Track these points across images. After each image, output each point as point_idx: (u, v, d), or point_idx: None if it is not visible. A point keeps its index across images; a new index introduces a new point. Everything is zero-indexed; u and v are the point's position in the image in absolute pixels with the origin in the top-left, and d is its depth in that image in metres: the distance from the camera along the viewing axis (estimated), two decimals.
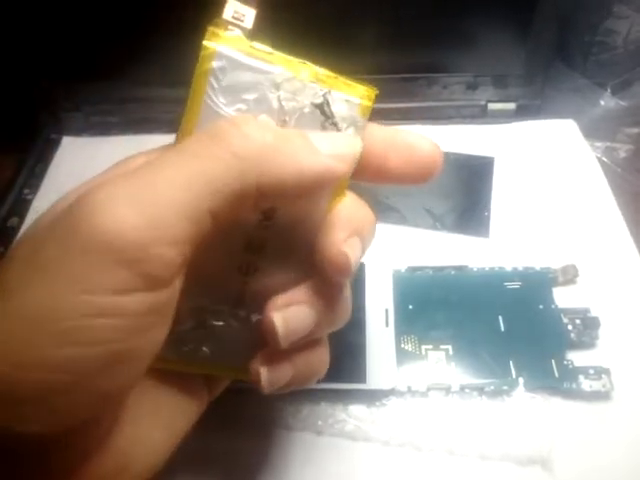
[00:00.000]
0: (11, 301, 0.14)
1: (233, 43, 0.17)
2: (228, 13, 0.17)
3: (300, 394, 0.28)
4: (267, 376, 0.19)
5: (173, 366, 0.20)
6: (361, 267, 0.32)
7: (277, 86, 0.17)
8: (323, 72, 0.18)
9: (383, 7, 0.38)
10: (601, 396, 0.28)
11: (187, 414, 0.21)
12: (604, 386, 0.28)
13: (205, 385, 0.21)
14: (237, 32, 0.17)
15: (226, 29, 0.17)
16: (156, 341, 0.16)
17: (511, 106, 0.43)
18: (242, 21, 0.17)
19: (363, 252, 0.19)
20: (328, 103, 0.18)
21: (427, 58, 0.41)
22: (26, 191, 0.40)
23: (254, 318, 0.20)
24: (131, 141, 0.42)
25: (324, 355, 0.21)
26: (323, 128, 0.18)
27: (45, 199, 0.40)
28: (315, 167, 0.16)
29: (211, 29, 0.17)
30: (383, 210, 0.37)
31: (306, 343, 0.20)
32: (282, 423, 0.28)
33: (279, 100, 0.17)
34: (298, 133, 0.17)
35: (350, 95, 0.18)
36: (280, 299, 0.19)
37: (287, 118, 0.18)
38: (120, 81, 0.43)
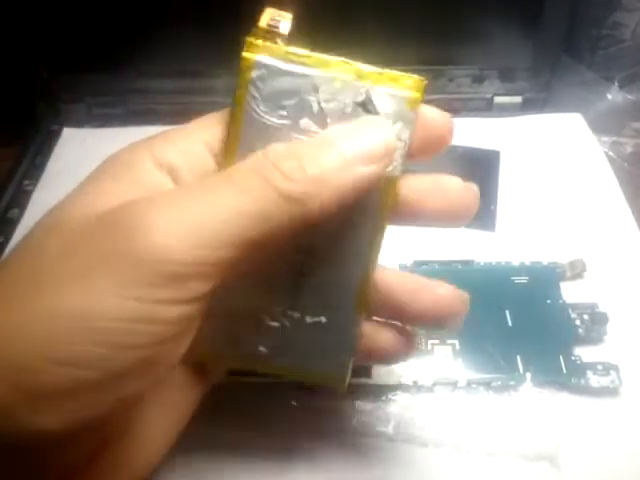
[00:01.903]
0: (46, 297, 0.15)
1: (270, 51, 0.17)
2: (265, 21, 0.17)
3: (305, 389, 0.28)
4: None
5: (231, 364, 0.21)
6: None
7: (316, 89, 0.17)
8: (366, 68, 0.17)
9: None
10: (609, 392, 0.28)
11: (183, 410, 0.21)
12: (612, 382, 0.28)
13: (197, 379, 0.21)
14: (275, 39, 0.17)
15: (263, 37, 0.17)
16: (180, 351, 0.17)
17: (517, 99, 0.43)
18: (278, 28, 0.17)
19: None
20: (371, 100, 0.17)
21: (433, 51, 0.41)
22: (26, 182, 0.40)
23: (308, 320, 0.20)
24: (132, 132, 0.41)
25: None
26: None
27: (45, 190, 0.39)
28: (349, 182, 0.16)
29: (249, 40, 0.17)
30: None
31: None
32: (287, 418, 0.27)
33: (318, 103, 0.17)
34: (328, 144, 0.17)
35: (395, 89, 0.17)
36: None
37: (329, 120, 0.18)
38: (121, 72, 0.43)
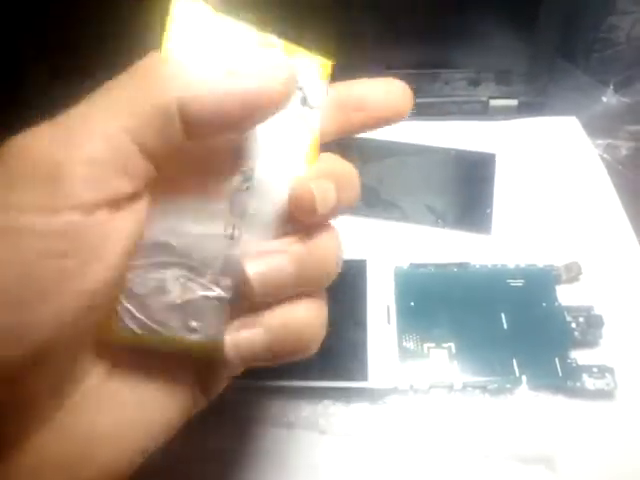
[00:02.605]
0: None
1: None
2: None
3: (302, 392, 0.28)
4: (233, 339, 0.18)
5: (158, 344, 0.18)
6: (363, 264, 0.32)
7: (240, 44, 0.18)
8: (284, 43, 0.19)
9: (385, 2, 0.38)
10: (605, 395, 0.28)
11: (169, 416, 0.19)
12: (608, 385, 0.28)
13: (197, 387, 0.20)
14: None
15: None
16: (73, 280, 0.15)
17: (513, 103, 0.43)
18: None
19: (338, 202, 0.19)
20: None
21: (429, 54, 0.41)
22: None
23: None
24: None
25: (311, 317, 0.19)
26: None
27: None
28: (235, 87, 0.16)
29: None
30: (385, 207, 0.37)
31: (286, 299, 0.19)
32: (283, 421, 0.27)
33: (241, 55, 0.18)
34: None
35: (310, 63, 0.20)
36: (256, 252, 0.18)
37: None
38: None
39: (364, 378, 0.28)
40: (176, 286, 0.18)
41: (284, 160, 0.19)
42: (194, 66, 0.17)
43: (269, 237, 0.19)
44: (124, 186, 0.16)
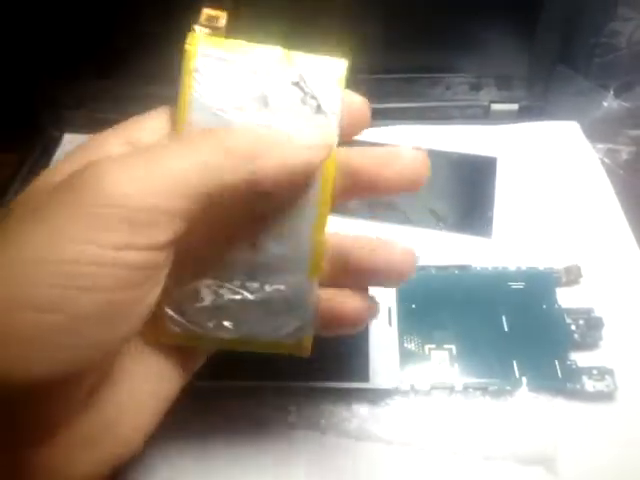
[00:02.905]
0: (11, 247, 0.16)
1: (210, 42, 0.19)
2: (203, 18, 0.19)
3: (303, 393, 0.28)
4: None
5: (198, 343, 0.21)
6: None
7: (254, 72, 0.19)
8: (296, 53, 0.20)
9: (387, 7, 0.38)
10: (604, 396, 0.28)
11: (171, 386, 0.21)
12: (607, 386, 0.28)
13: (180, 362, 0.22)
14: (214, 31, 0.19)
15: (204, 32, 0.19)
16: (144, 301, 0.17)
17: (514, 107, 0.43)
18: (215, 23, 0.19)
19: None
20: (304, 80, 0.20)
21: (431, 58, 0.41)
22: None
23: (267, 288, 0.21)
24: None
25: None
26: (303, 103, 0.20)
27: None
28: (296, 159, 0.18)
29: (190, 33, 0.19)
30: (386, 210, 0.37)
31: None
32: (285, 421, 0.28)
33: (257, 84, 0.19)
34: (281, 132, 0.19)
35: (322, 69, 0.20)
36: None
37: (269, 100, 0.20)
38: (121, 79, 0.43)
39: (365, 379, 0.28)
40: (208, 292, 0.20)
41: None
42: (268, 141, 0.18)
43: (290, 240, 0.20)
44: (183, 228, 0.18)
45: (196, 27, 0.19)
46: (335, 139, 0.20)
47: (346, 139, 0.21)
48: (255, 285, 0.21)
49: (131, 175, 0.16)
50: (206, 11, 0.19)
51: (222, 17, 0.20)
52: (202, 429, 0.27)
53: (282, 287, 0.21)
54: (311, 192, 0.20)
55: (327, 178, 0.20)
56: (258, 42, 0.20)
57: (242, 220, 0.20)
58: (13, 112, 0.43)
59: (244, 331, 0.21)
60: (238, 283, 0.21)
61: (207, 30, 0.19)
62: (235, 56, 0.19)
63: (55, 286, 0.15)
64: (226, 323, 0.21)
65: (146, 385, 0.20)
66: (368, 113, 0.21)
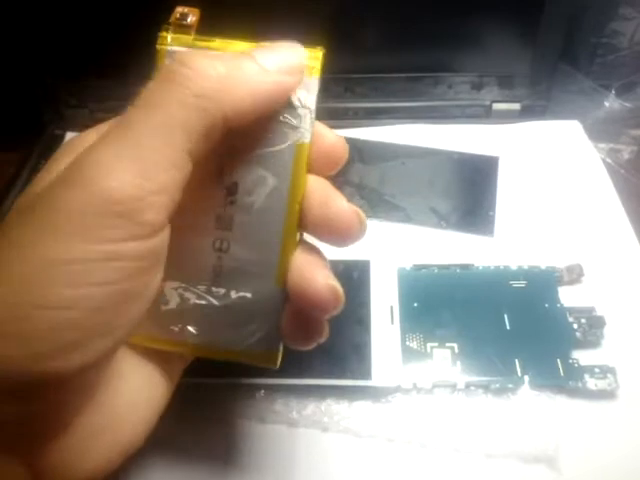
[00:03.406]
0: (25, 250, 0.16)
1: (179, 41, 0.19)
2: (174, 16, 0.19)
3: (306, 390, 0.28)
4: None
5: (163, 346, 0.21)
6: (366, 264, 0.32)
7: None
8: (264, 44, 0.19)
9: (389, 5, 0.38)
10: (606, 395, 0.28)
11: (164, 391, 0.22)
12: (609, 385, 0.28)
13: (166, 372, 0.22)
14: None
15: (175, 30, 0.19)
16: (152, 283, 0.18)
17: (516, 106, 0.43)
18: (186, 21, 0.19)
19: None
20: None
21: (433, 57, 0.42)
22: None
23: (233, 295, 0.20)
24: None
25: None
26: None
27: None
28: (266, 86, 0.18)
29: (160, 34, 0.19)
30: (388, 209, 0.37)
31: None
32: (287, 419, 0.28)
33: None
34: (246, 57, 0.18)
35: None
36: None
37: None
38: (124, 78, 0.43)
39: (368, 377, 0.28)
40: (174, 295, 0.20)
41: (270, 170, 0.19)
42: (234, 69, 0.18)
43: (257, 247, 0.20)
44: (176, 203, 0.18)
45: (167, 26, 0.19)
46: (308, 136, 0.19)
47: (320, 176, 0.20)
48: (221, 291, 0.20)
49: (117, 165, 0.16)
50: (177, 9, 0.19)
51: (192, 14, 0.19)
52: (202, 427, 0.27)
53: (248, 294, 0.20)
54: (281, 192, 0.19)
55: (297, 179, 0.19)
56: (233, 38, 0.19)
57: (210, 221, 0.20)
58: (16, 111, 0.43)
59: (209, 338, 0.21)
60: (204, 288, 0.20)
61: (178, 28, 0.19)
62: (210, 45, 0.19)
63: (69, 285, 0.16)
64: (190, 328, 0.20)
65: (142, 390, 0.21)
66: (343, 152, 0.21)
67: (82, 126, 0.43)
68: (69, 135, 0.44)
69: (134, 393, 0.20)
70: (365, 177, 0.39)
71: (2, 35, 0.40)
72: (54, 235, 0.16)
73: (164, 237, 0.18)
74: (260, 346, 0.21)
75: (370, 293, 0.31)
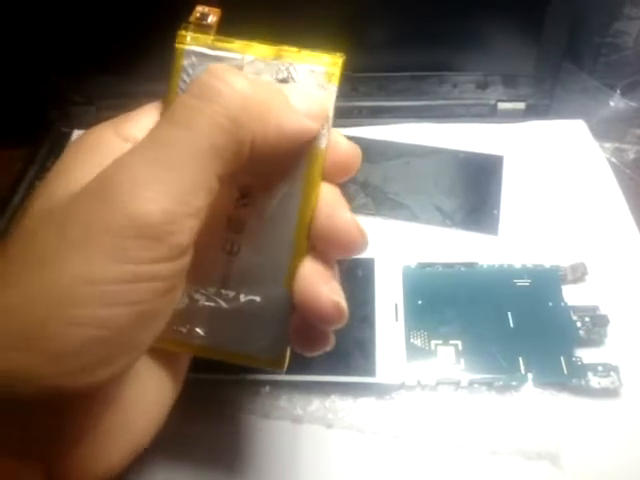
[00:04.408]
0: (52, 269, 0.16)
1: (198, 41, 0.19)
2: (194, 16, 0.19)
3: (310, 387, 0.28)
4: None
5: (170, 346, 0.21)
6: (371, 262, 0.32)
7: (240, 69, 0.19)
8: (285, 48, 0.19)
9: (395, 5, 0.38)
10: (609, 393, 0.28)
11: (172, 390, 0.22)
12: (613, 383, 0.28)
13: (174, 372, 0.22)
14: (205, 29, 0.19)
15: (194, 30, 0.19)
16: (175, 300, 0.19)
17: (521, 106, 0.43)
18: (206, 21, 0.19)
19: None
20: (292, 76, 0.19)
21: (438, 57, 0.42)
22: (38, 184, 0.40)
23: (242, 299, 0.20)
24: None
25: None
26: None
27: None
28: (294, 125, 0.18)
29: (179, 32, 0.19)
30: (394, 207, 0.37)
31: None
32: (292, 415, 0.28)
33: None
34: (276, 88, 0.18)
35: (314, 65, 0.19)
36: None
37: None
38: (130, 75, 0.43)
39: (372, 374, 0.28)
40: (183, 296, 0.20)
41: (284, 175, 0.19)
42: (266, 95, 0.18)
43: (267, 251, 0.20)
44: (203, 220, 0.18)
45: (187, 25, 0.19)
46: (324, 141, 0.19)
47: (332, 182, 0.20)
48: (230, 294, 0.20)
49: (150, 189, 0.16)
50: (198, 8, 0.19)
51: (213, 14, 0.19)
52: (206, 422, 0.28)
53: (257, 298, 0.20)
54: (294, 197, 0.19)
55: (310, 185, 0.19)
56: (251, 40, 0.19)
57: (221, 223, 0.20)
58: (23, 108, 0.44)
59: (216, 340, 0.21)
60: (213, 290, 0.20)
61: (198, 27, 0.19)
62: (222, 53, 0.19)
63: (102, 305, 0.16)
64: (198, 330, 0.21)
65: (151, 391, 0.21)
66: (356, 161, 0.21)
67: (88, 124, 0.44)
68: (76, 133, 0.44)
69: (145, 393, 0.20)
70: (370, 175, 0.39)
71: (7, 32, 0.40)
72: (86, 253, 0.16)
73: (189, 256, 0.18)
74: (267, 350, 0.21)
75: (375, 291, 0.31)
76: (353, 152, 0.21)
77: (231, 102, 0.17)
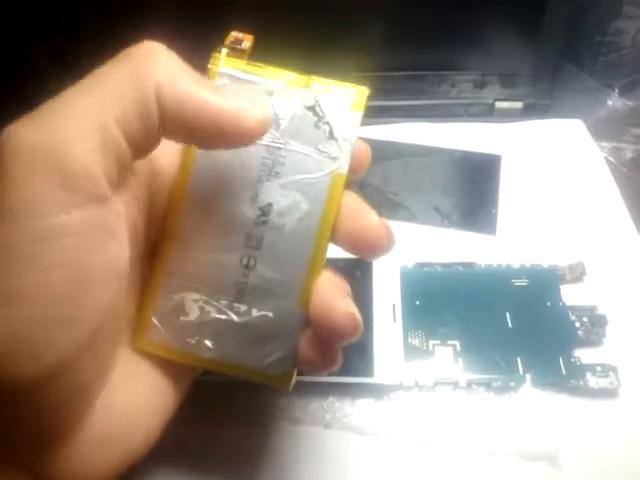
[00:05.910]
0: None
1: (232, 64, 0.20)
2: (229, 40, 0.20)
3: (308, 388, 0.28)
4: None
5: (177, 357, 0.21)
6: (369, 263, 0.32)
7: (270, 93, 0.20)
8: (315, 78, 0.20)
9: (392, 4, 0.38)
10: (608, 393, 0.28)
11: (172, 400, 0.21)
12: (611, 383, 0.28)
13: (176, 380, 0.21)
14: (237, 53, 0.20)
15: (228, 53, 0.20)
16: (111, 261, 0.17)
17: (518, 105, 0.43)
18: (240, 46, 0.20)
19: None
20: (319, 105, 0.20)
21: (435, 56, 0.42)
22: None
23: (255, 313, 0.20)
24: None
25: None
26: (316, 127, 0.20)
27: None
28: (216, 108, 0.17)
29: (214, 54, 0.20)
30: (392, 207, 0.37)
31: None
32: (290, 416, 0.28)
33: (272, 106, 0.20)
34: (209, 81, 0.19)
35: (340, 96, 0.20)
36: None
37: (281, 121, 0.20)
38: None
39: (370, 374, 0.28)
40: (194, 307, 0.20)
41: (305, 196, 0.20)
42: (181, 64, 0.18)
43: (284, 268, 0.20)
44: (115, 174, 0.17)
45: (220, 48, 0.20)
46: (346, 167, 0.20)
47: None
48: (242, 308, 0.20)
49: (34, 129, 0.16)
50: (232, 34, 0.20)
51: (247, 40, 0.20)
52: (203, 424, 0.28)
53: (269, 314, 0.20)
54: (313, 218, 0.20)
55: (331, 207, 0.20)
56: (282, 66, 0.20)
57: (239, 237, 0.20)
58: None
59: (225, 354, 0.21)
60: (225, 303, 0.20)
61: (231, 51, 0.20)
62: (253, 77, 0.20)
63: (19, 274, 0.15)
64: (207, 342, 0.20)
65: (142, 404, 0.20)
66: (367, 158, 0.21)
67: None
68: None
69: (142, 401, 0.20)
70: (368, 175, 0.39)
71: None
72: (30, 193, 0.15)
73: (111, 210, 0.17)
74: (275, 367, 0.21)
75: (372, 291, 0.31)
76: (364, 151, 0.21)
77: (147, 64, 0.17)
